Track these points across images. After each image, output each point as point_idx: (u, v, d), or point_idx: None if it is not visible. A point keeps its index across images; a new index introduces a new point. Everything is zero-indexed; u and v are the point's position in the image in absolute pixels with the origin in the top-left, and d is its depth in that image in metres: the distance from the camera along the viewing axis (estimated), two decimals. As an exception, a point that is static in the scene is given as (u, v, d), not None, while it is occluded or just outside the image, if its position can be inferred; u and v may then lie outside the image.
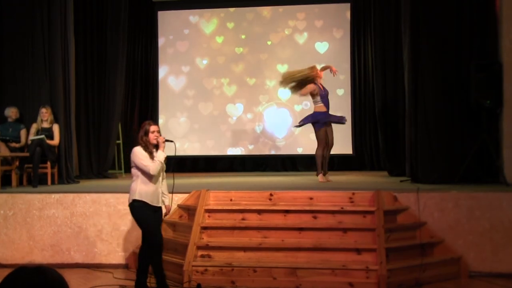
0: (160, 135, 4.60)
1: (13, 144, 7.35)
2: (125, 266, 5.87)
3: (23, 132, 7.47)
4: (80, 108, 8.75)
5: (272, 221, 5.45)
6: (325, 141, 7.21)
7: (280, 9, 10.37)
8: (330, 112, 7.35)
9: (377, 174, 8.84)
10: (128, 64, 9.96)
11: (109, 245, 5.97)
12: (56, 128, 7.38)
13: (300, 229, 5.31)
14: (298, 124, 7.72)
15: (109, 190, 6.28)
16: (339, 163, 9.93)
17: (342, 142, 9.52)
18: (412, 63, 6.77)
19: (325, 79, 7.57)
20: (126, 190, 6.06)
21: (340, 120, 7.49)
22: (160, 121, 10.14)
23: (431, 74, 6.56)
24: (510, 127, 6.29)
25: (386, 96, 8.50)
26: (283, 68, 10.08)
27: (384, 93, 8.54)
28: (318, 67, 7.53)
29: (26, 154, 7.11)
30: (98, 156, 8.88)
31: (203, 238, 5.39)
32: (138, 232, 5.80)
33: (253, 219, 5.50)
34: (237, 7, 10.45)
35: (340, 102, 9.78)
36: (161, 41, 10.55)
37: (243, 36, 10.39)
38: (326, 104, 7.27)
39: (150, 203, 4.53)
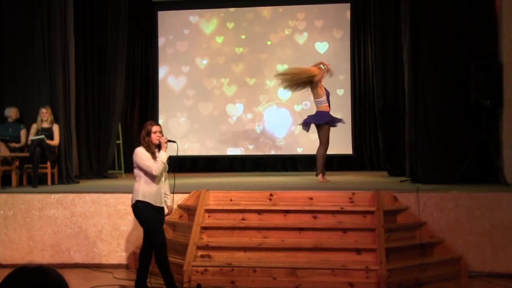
0: (162, 135, 4.60)
1: (13, 144, 7.35)
2: (125, 266, 5.87)
3: (23, 132, 7.47)
4: (80, 108, 8.74)
5: (272, 221, 5.45)
6: (328, 141, 7.23)
7: (280, 9, 10.37)
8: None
9: (377, 174, 8.84)
10: (128, 64, 9.96)
11: (109, 245, 5.97)
12: (56, 128, 7.37)
13: (300, 229, 5.31)
14: (305, 127, 7.50)
15: (109, 190, 6.28)
16: (339, 163, 9.93)
17: (342, 142, 9.53)
18: (412, 63, 6.77)
19: (325, 79, 7.56)
20: (126, 190, 6.11)
21: (341, 121, 7.51)
22: (160, 121, 10.13)
23: (431, 74, 6.56)
24: (510, 127, 6.29)
25: (386, 96, 8.49)
26: (283, 68, 10.07)
27: (384, 93, 8.53)
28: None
29: (26, 154, 7.11)
30: (98, 156, 8.87)
31: (203, 238, 5.39)
32: (138, 232, 5.81)
33: (253, 219, 5.50)
34: (237, 7, 10.45)
35: (340, 102, 9.78)
36: (161, 41, 10.55)
37: (243, 36, 10.38)
38: (329, 104, 7.30)
39: (153, 203, 4.54)
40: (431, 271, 5.07)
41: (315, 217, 5.40)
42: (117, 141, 9.49)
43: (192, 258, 5.09)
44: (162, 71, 10.53)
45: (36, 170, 6.96)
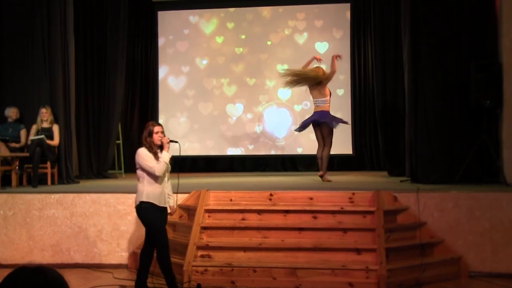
0: (164, 136, 4.59)
1: (13, 144, 7.35)
2: (125, 266, 5.87)
3: (23, 132, 7.47)
4: (80, 108, 8.74)
5: (272, 221, 5.44)
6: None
7: (280, 9, 10.37)
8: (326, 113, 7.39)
9: (377, 174, 8.84)
10: (128, 64, 9.96)
11: (109, 245, 5.97)
12: (56, 128, 7.37)
13: (300, 229, 5.31)
14: (304, 128, 7.55)
15: (109, 190, 6.28)
16: (339, 163, 9.93)
17: (342, 142, 9.53)
18: (412, 63, 6.76)
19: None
20: (126, 190, 6.12)
21: (346, 122, 7.59)
22: (160, 121, 10.13)
23: (431, 74, 6.56)
24: (510, 127, 6.29)
25: (386, 96, 8.49)
26: (283, 68, 10.09)
27: (384, 93, 8.53)
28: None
29: (26, 154, 7.11)
30: (98, 156, 8.87)
31: (203, 238, 5.39)
32: (138, 232, 5.82)
33: (253, 219, 5.50)
34: (237, 7, 10.45)
35: (340, 102, 9.79)
36: (161, 41, 10.55)
37: (243, 36, 10.39)
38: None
39: (157, 204, 4.53)
40: (431, 271, 5.07)
41: (315, 217, 5.40)
42: (117, 141, 9.49)
43: (192, 258, 5.09)
44: (162, 71, 10.53)
45: (36, 170, 6.96)
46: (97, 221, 6.01)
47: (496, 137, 6.45)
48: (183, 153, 10.10)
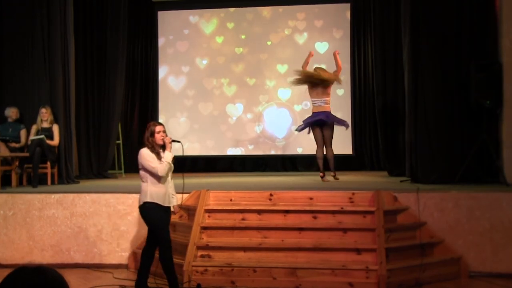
0: (166, 135, 4.59)
1: (13, 144, 7.35)
2: (125, 266, 5.87)
3: (23, 132, 7.47)
4: (80, 108, 8.74)
5: (272, 221, 5.44)
6: None
7: (280, 9, 10.37)
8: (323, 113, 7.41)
9: (377, 174, 8.84)
10: (128, 64, 9.96)
11: (109, 245, 5.97)
12: (56, 128, 7.37)
13: (300, 229, 5.31)
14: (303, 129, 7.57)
15: (109, 190, 6.28)
16: (339, 163, 9.87)
17: (342, 142, 9.52)
18: (412, 63, 6.77)
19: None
20: (126, 190, 6.12)
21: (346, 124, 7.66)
22: (160, 121, 10.12)
23: (431, 74, 6.56)
24: (510, 127, 6.29)
25: (386, 96, 8.50)
26: (283, 68, 10.10)
27: (384, 93, 8.54)
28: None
29: (26, 154, 7.11)
30: (98, 156, 8.87)
31: (203, 238, 5.39)
32: (138, 232, 5.82)
33: (253, 219, 5.50)
34: (237, 7, 10.45)
35: (340, 102, 9.78)
36: (161, 41, 10.55)
37: (243, 36, 10.38)
38: None
39: (161, 204, 4.52)
40: (431, 271, 5.07)
41: (315, 217, 5.40)
42: (117, 141, 9.49)
43: (192, 258, 5.09)
44: (162, 71, 10.53)
45: (36, 170, 6.95)
46: (97, 221, 6.01)
47: (496, 137, 6.45)
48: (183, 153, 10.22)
